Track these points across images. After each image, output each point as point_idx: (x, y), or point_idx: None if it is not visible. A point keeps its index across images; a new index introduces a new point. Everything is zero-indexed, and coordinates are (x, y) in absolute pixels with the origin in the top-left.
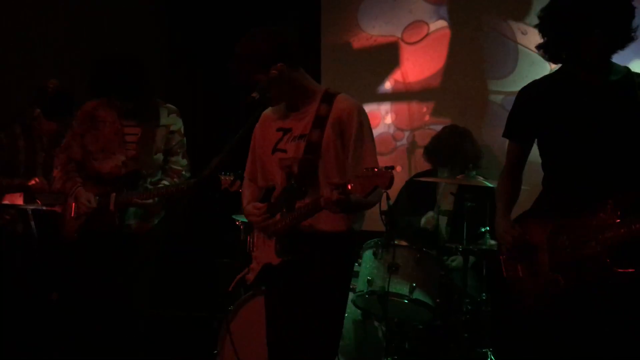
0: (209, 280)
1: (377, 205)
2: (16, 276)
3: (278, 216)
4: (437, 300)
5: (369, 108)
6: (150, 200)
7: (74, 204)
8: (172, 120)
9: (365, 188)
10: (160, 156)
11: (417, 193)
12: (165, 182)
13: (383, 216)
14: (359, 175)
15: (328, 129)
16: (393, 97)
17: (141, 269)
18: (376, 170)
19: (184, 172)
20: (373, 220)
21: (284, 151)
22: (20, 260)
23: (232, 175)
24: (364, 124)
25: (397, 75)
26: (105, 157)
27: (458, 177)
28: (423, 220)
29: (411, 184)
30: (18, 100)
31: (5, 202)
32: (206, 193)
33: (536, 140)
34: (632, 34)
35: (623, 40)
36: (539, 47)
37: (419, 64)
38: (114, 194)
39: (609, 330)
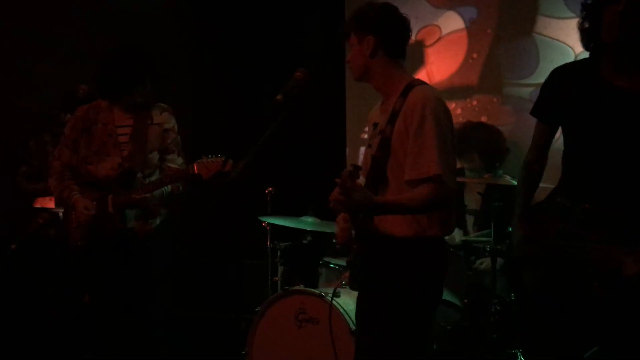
0: (236, 282)
1: None
2: (49, 279)
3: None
4: (465, 300)
5: None
6: (149, 195)
7: (74, 214)
8: (165, 118)
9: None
10: (155, 155)
11: None
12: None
13: None
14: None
15: (398, 124)
16: None
17: (153, 270)
18: None
19: None
20: None
21: (370, 146)
22: (52, 263)
23: (221, 156)
24: (428, 118)
25: (421, 75)
26: (100, 160)
27: (485, 176)
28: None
29: None
30: (47, 106)
31: (37, 205)
32: (234, 195)
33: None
34: None
35: None
36: (580, 30)
37: (441, 64)
38: (111, 196)
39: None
